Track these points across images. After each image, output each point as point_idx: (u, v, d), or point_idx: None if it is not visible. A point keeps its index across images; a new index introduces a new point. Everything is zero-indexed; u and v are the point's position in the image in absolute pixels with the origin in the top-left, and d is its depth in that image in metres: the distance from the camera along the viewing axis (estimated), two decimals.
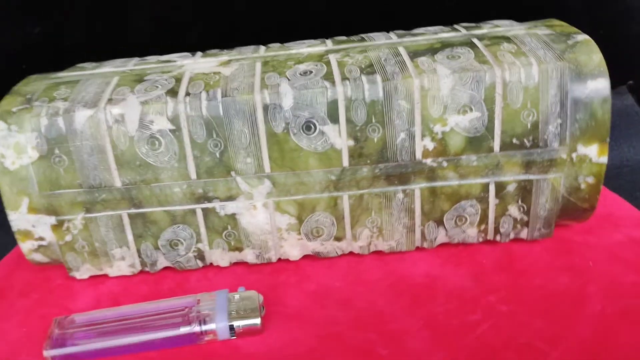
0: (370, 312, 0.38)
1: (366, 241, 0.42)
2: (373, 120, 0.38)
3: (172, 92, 0.39)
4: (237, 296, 0.38)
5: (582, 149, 0.39)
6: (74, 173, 0.39)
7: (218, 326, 0.36)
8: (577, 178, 0.39)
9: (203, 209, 0.40)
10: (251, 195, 0.40)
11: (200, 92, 0.38)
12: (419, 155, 0.39)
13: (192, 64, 0.43)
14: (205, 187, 0.40)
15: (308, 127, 0.38)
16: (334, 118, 0.38)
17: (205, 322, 0.36)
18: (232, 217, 0.41)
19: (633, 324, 0.34)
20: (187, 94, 0.38)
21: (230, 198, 0.40)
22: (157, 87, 0.40)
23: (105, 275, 0.44)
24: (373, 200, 0.40)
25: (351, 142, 0.38)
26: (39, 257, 0.42)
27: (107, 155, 0.39)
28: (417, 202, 0.40)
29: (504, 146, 0.38)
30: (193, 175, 0.39)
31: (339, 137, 0.38)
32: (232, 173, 0.39)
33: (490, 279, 0.39)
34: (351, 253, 0.43)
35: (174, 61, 0.44)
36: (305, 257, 0.43)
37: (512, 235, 0.42)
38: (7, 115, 0.39)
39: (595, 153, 0.39)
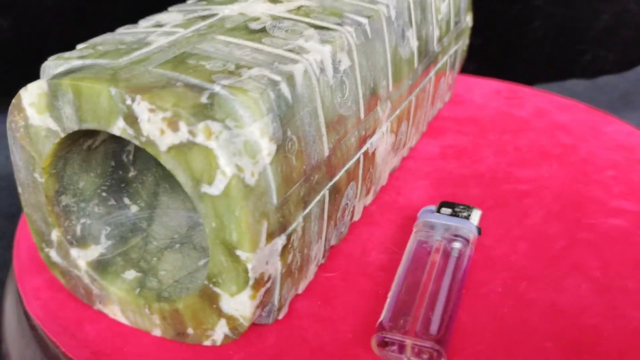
0: None
1: None
2: None
3: (318, 27, 0.33)
4: (432, 207, 0.38)
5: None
6: (302, 156, 0.29)
7: (466, 232, 0.36)
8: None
9: (363, 154, 0.36)
10: (381, 121, 0.38)
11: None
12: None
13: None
14: (365, 125, 0.35)
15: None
16: None
17: (456, 236, 0.36)
18: (373, 154, 0.37)
19: None
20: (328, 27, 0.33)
21: (374, 132, 0.37)
22: (294, 27, 0.32)
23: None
24: None
25: None
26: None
27: (319, 119, 0.30)
28: None
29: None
30: (362, 115, 0.34)
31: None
32: (380, 101, 0.36)
33: None
34: None
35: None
36: None
37: None
38: (205, 110, 0.25)
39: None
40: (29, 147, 0.29)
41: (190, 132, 0.25)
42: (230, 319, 0.28)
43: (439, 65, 0.46)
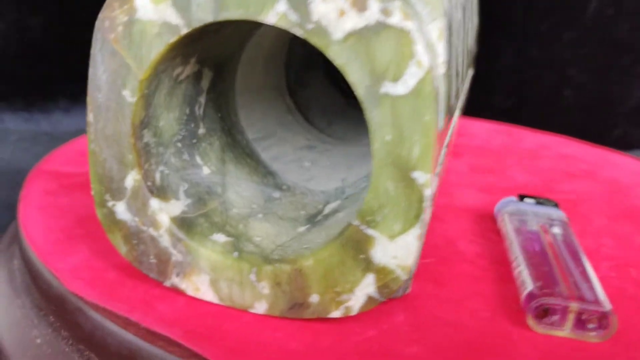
0: None
1: None
2: None
3: None
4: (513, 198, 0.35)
5: None
6: (450, 87, 0.25)
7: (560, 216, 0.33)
8: None
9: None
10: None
11: None
12: None
13: None
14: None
15: None
16: None
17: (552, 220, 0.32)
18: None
19: None
20: None
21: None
22: None
23: None
24: None
25: None
26: None
27: (460, 58, 0.26)
28: None
29: None
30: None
31: None
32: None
33: None
34: None
35: None
36: None
37: None
38: None
39: None
40: (126, 52, 0.23)
41: (384, 11, 0.20)
42: (382, 272, 0.23)
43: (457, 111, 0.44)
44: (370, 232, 0.22)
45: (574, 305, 0.25)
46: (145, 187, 0.24)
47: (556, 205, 0.34)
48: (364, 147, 0.34)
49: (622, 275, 0.31)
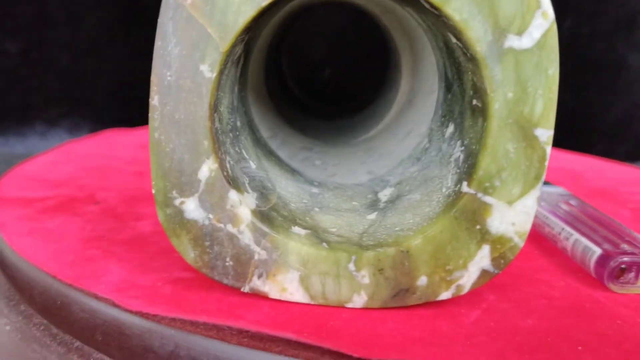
0: None
1: None
2: None
3: None
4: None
5: None
6: None
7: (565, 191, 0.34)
8: None
9: None
10: None
11: None
12: None
13: None
14: None
15: None
16: None
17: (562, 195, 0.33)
18: None
19: None
20: None
21: None
22: None
23: None
24: None
25: None
26: None
27: None
28: None
29: None
30: None
31: None
32: None
33: None
34: None
35: None
36: None
37: None
38: None
39: None
40: (207, 20, 0.20)
41: None
42: (499, 242, 0.21)
43: None
44: (487, 199, 0.21)
45: None
46: (223, 177, 0.21)
47: (550, 184, 0.35)
48: (351, 146, 0.33)
49: None
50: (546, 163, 0.21)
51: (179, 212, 0.21)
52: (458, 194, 0.21)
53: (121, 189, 0.35)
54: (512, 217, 0.21)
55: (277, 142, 0.30)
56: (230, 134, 0.23)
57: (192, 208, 0.21)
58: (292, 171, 0.28)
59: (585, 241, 0.27)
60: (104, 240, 0.27)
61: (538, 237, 0.30)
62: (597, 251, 0.26)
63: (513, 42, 0.20)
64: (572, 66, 0.57)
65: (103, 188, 0.35)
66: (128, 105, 0.60)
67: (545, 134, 0.20)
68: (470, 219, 0.21)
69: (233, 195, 0.21)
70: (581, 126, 0.60)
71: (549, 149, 0.20)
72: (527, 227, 0.21)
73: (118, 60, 0.64)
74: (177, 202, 0.21)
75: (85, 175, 0.37)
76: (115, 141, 0.47)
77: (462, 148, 0.23)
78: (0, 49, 0.61)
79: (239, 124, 0.25)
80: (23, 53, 0.62)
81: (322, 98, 0.45)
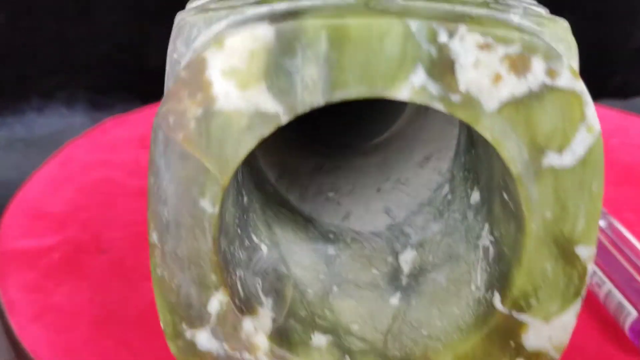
0: None
1: None
2: None
3: None
4: None
5: None
6: None
7: None
8: None
9: None
10: None
11: None
12: None
13: None
14: None
15: None
16: None
17: None
18: None
19: None
20: None
21: None
22: None
23: None
24: None
25: None
26: None
27: None
28: None
29: None
30: None
31: None
32: None
33: None
34: None
35: None
36: None
37: None
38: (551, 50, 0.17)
39: None
40: (203, 153, 0.17)
41: (549, 72, 0.16)
42: (534, 356, 0.20)
43: None
44: (522, 317, 0.19)
45: None
46: (235, 307, 0.19)
47: None
48: (363, 157, 0.30)
49: None
50: (587, 279, 0.19)
51: (191, 345, 0.20)
52: (490, 308, 0.20)
53: (127, 222, 0.33)
54: (549, 331, 0.19)
55: (285, 179, 0.28)
56: (238, 230, 0.21)
57: (204, 339, 0.20)
58: (305, 222, 0.26)
59: (619, 296, 0.26)
60: (115, 320, 0.26)
61: None
62: (633, 313, 0.25)
63: (553, 160, 0.17)
64: None
65: (108, 224, 0.33)
66: (125, 69, 0.57)
67: (587, 251, 0.18)
68: (503, 336, 0.20)
69: (247, 324, 0.20)
70: (599, 56, 0.56)
71: (590, 265, 0.19)
72: (565, 341, 0.20)
73: (112, 22, 0.60)
74: (188, 334, 0.20)
75: (87, 203, 0.35)
76: (114, 139, 0.45)
77: (492, 239, 0.21)
78: None
79: (245, 200, 0.23)
80: (11, 23, 0.59)
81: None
